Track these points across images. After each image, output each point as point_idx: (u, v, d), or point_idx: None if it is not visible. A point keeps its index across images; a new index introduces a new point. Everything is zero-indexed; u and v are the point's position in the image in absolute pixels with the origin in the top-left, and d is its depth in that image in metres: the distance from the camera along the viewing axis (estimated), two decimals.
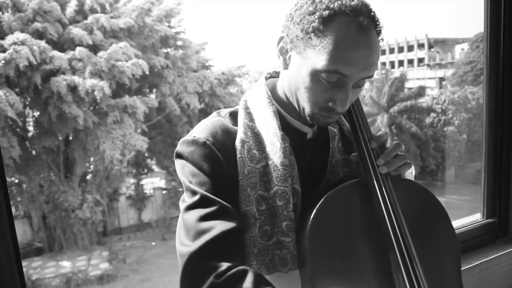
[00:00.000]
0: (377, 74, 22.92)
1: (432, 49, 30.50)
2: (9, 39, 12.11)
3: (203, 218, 0.77)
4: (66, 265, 14.29)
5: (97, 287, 13.54)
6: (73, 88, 12.90)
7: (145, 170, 18.16)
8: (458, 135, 20.32)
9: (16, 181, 14.56)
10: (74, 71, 13.22)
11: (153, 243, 15.95)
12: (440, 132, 20.68)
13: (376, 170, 0.87)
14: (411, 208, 0.89)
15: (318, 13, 0.76)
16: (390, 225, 0.82)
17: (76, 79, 12.89)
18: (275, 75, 0.94)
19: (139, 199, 17.30)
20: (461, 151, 20.39)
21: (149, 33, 14.99)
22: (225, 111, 0.93)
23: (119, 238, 16.24)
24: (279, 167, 0.82)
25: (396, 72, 22.54)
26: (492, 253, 1.91)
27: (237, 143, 0.84)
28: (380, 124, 20.52)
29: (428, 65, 29.12)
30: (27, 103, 13.80)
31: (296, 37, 0.79)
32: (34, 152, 14.51)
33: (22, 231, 15.06)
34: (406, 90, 21.36)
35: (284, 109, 0.90)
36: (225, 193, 0.81)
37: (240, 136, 0.85)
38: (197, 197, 0.80)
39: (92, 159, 14.73)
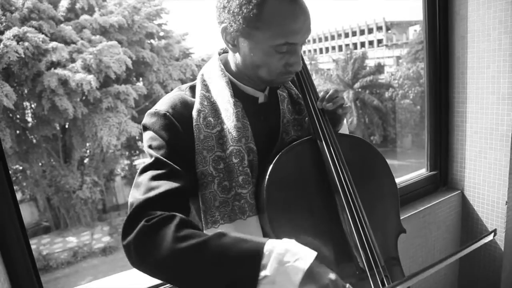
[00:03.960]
0: (342, 55, 22.99)
1: (389, 31, 30.51)
2: (7, 33, 11.68)
3: (154, 178, 0.80)
4: (72, 240, 14.20)
5: (101, 258, 13.56)
6: (64, 82, 12.54)
7: (137, 152, 17.94)
8: (413, 107, 20.64)
9: (20, 168, 14.22)
10: (65, 65, 12.84)
11: None
12: (398, 105, 20.94)
13: (323, 127, 0.92)
14: (355, 159, 0.94)
15: (253, 2, 0.79)
16: (335, 172, 0.88)
17: (67, 73, 12.51)
18: (227, 50, 0.96)
19: (133, 178, 17.03)
20: (416, 120, 20.71)
21: (138, 29, 14.61)
22: (185, 86, 0.96)
23: (118, 214, 16.09)
24: (233, 130, 0.86)
25: (359, 53, 22.53)
26: (434, 200, 2.03)
27: (194, 113, 0.88)
28: (346, 100, 20.52)
29: (386, 45, 29.21)
30: (24, 95, 13.41)
31: (241, 25, 0.82)
32: (34, 141, 14.17)
33: (30, 213, 14.84)
34: (368, 68, 21.48)
35: (237, 79, 0.93)
36: (180, 157, 0.84)
37: (196, 106, 0.88)
38: (152, 160, 0.83)
39: (88, 144, 14.51)
